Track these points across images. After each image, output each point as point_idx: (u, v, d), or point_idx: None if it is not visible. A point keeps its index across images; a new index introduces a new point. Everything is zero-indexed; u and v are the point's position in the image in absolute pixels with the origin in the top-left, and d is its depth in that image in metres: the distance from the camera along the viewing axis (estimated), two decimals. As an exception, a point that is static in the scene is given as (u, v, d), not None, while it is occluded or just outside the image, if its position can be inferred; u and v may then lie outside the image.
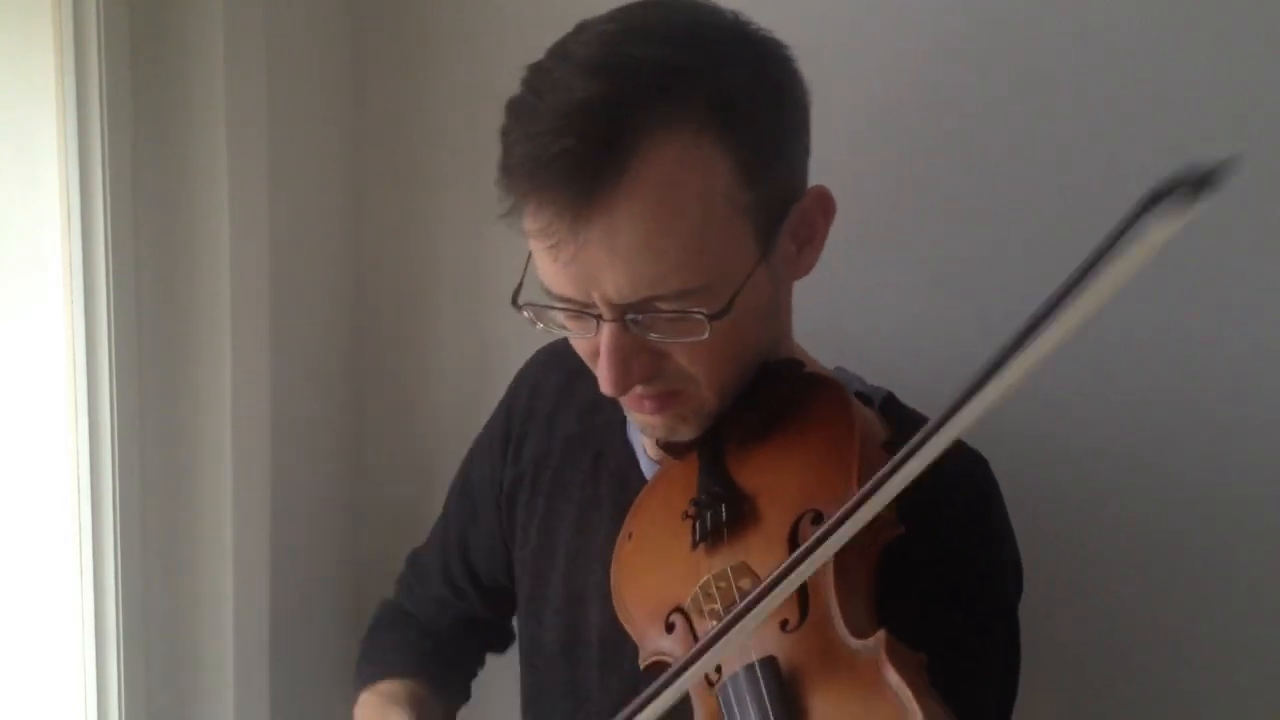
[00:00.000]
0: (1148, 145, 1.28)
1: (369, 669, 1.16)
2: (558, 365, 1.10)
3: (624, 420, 1.05)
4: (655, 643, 0.88)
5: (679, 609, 0.87)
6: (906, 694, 0.72)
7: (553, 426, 1.09)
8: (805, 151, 0.92)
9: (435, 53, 1.37)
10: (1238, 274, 1.27)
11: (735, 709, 0.77)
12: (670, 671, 0.77)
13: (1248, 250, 1.27)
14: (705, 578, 0.84)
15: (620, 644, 0.99)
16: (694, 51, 0.83)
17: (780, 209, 0.89)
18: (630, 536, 0.96)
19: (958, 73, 1.29)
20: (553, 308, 0.87)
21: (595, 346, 0.88)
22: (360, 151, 1.41)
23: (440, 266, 1.43)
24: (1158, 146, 1.27)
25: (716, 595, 0.83)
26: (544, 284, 0.87)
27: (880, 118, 1.26)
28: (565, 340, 1.06)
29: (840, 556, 0.77)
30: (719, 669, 0.80)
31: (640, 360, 0.86)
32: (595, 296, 0.83)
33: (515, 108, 0.86)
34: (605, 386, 0.86)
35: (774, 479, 0.90)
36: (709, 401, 0.91)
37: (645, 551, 0.94)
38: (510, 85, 1.35)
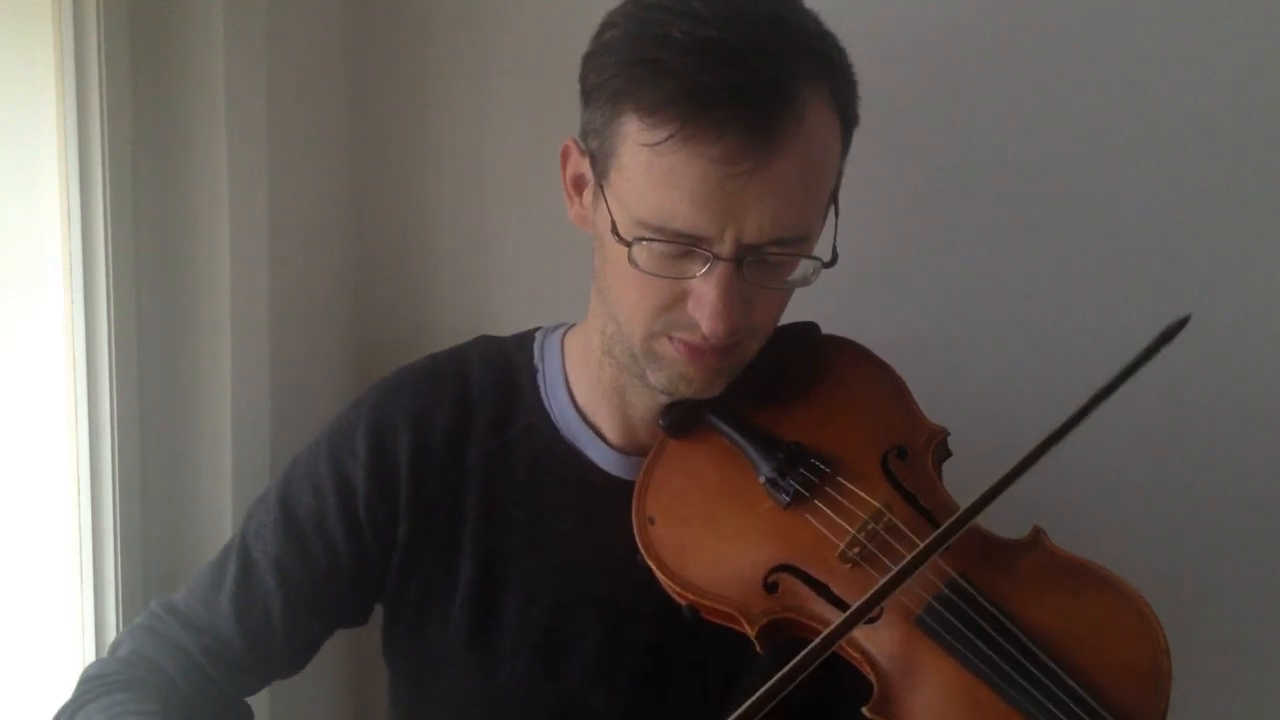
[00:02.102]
0: (1142, 147, 1.28)
1: None
2: (437, 390, 1.04)
3: (551, 425, 1.03)
4: (760, 604, 0.90)
5: (782, 567, 0.91)
6: (1094, 567, 0.85)
7: (458, 451, 1.03)
8: None
9: (435, 52, 1.37)
10: (1237, 272, 1.28)
11: (951, 625, 0.84)
12: (856, 608, 0.83)
13: (1247, 248, 1.28)
14: (854, 527, 0.91)
15: (621, 639, 1.01)
16: (809, 19, 0.90)
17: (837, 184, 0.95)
18: (653, 521, 0.96)
19: (951, 70, 1.30)
20: (659, 239, 0.87)
21: (679, 291, 0.89)
22: (360, 151, 1.41)
23: (440, 265, 1.43)
24: (1155, 146, 1.27)
25: (865, 540, 0.90)
26: (659, 221, 0.86)
27: (881, 117, 1.26)
28: (413, 370, 1.07)
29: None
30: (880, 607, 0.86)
31: (740, 307, 0.89)
32: (727, 234, 0.85)
33: (631, 45, 0.86)
34: (713, 326, 0.88)
35: (835, 429, 0.97)
36: (748, 357, 0.96)
37: (695, 528, 0.96)
38: (510, 84, 1.36)
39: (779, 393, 1.00)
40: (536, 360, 1.06)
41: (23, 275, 1.10)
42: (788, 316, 1.01)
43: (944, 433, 0.97)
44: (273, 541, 1.03)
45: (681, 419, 0.99)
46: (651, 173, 0.85)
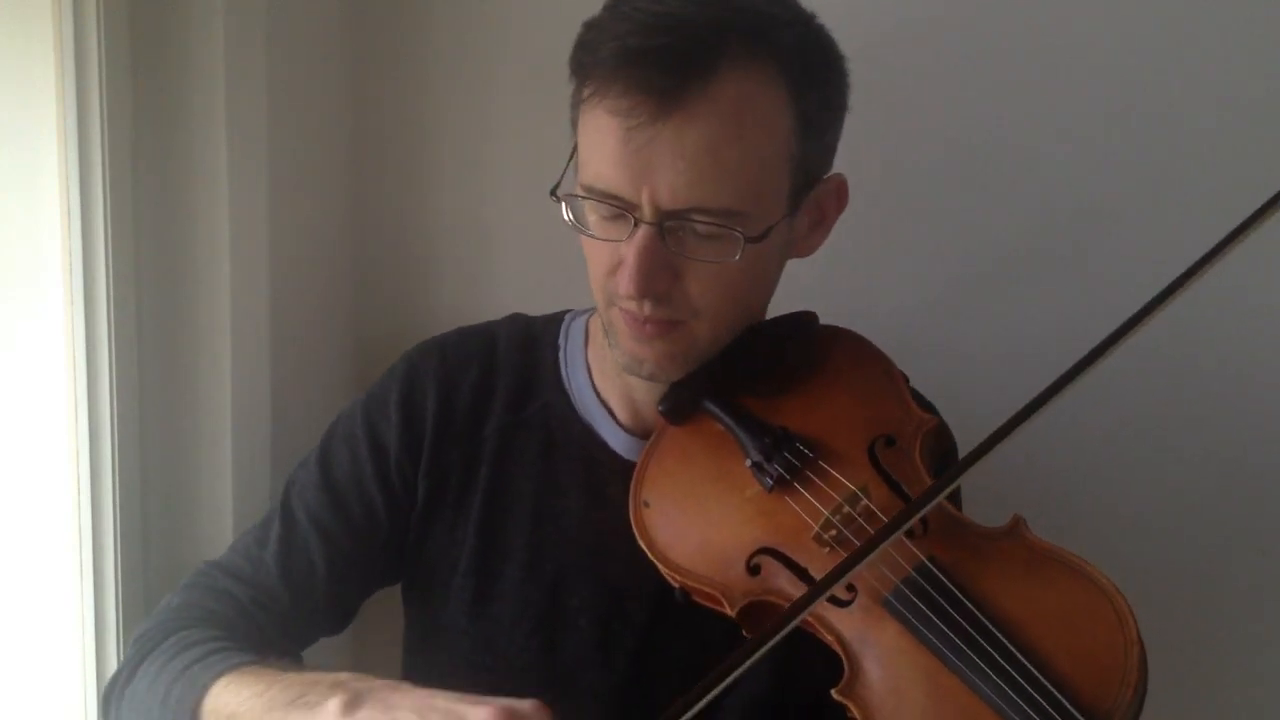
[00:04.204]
0: (1147, 140, 1.28)
1: (203, 664, 0.93)
2: (465, 361, 1.08)
3: (568, 403, 1.06)
4: (742, 586, 0.91)
5: (764, 550, 0.92)
6: (1070, 557, 0.85)
7: (478, 422, 1.07)
8: (837, 140, 0.99)
9: (435, 53, 1.37)
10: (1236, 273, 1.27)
11: (916, 608, 0.84)
12: (820, 583, 0.82)
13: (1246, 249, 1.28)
14: (829, 510, 0.91)
15: (619, 618, 1.02)
16: (784, 8, 0.93)
17: (811, 178, 0.96)
18: (648, 505, 0.98)
19: (958, 65, 1.30)
20: (591, 198, 0.92)
21: (618, 257, 0.93)
22: (360, 151, 1.41)
23: (440, 264, 1.43)
24: (1159, 142, 1.27)
25: (839, 524, 0.90)
26: (589, 182, 0.91)
27: (887, 113, 1.26)
28: (443, 338, 1.11)
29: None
30: (850, 587, 0.87)
31: (661, 274, 0.91)
32: (644, 196, 0.89)
33: (603, 19, 0.92)
34: (628, 287, 0.91)
35: (826, 416, 0.98)
36: (701, 341, 0.97)
37: (687, 511, 0.97)
38: (510, 84, 1.36)
39: (773, 380, 1.01)
40: (560, 339, 1.10)
41: (23, 275, 1.10)
42: (786, 306, 1.02)
43: (933, 422, 0.97)
44: (314, 501, 1.07)
45: (678, 404, 1.00)
46: (585, 132, 0.91)
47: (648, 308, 0.93)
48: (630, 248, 0.90)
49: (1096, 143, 1.28)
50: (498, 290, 1.42)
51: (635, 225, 0.90)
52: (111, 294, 1.10)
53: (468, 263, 1.42)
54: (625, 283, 0.91)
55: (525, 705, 0.78)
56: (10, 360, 1.12)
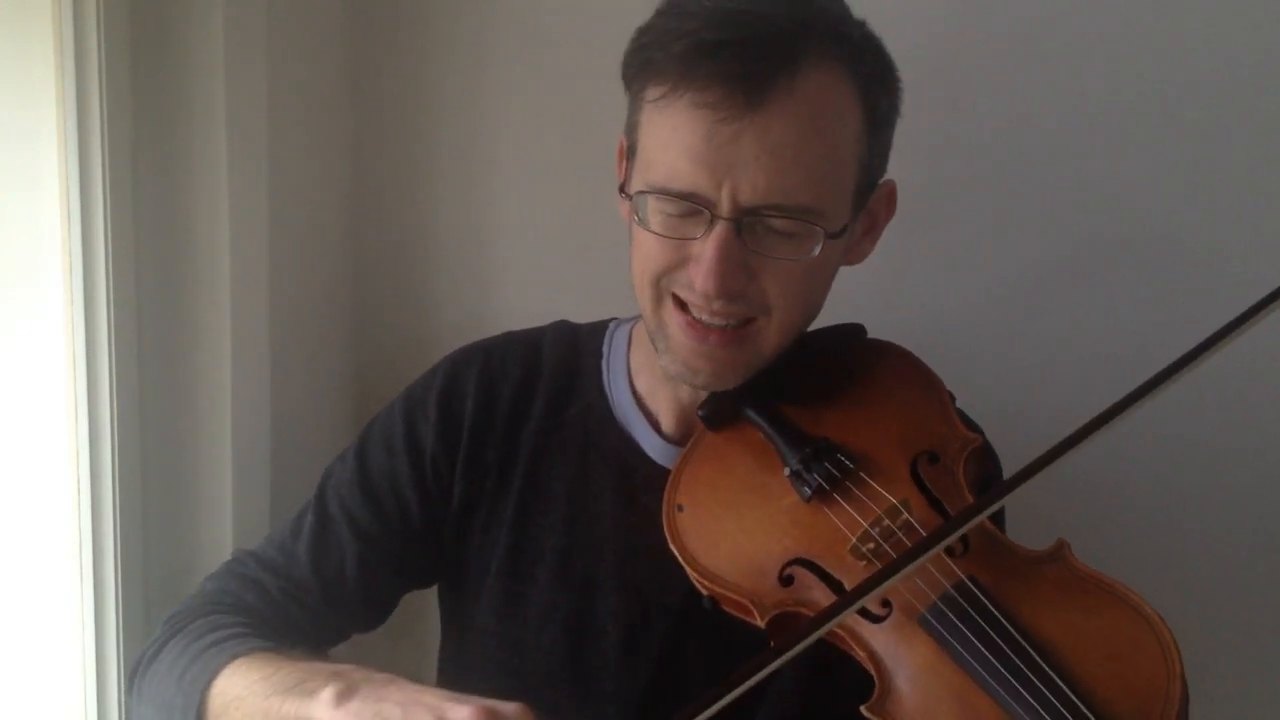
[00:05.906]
0: (1149, 142, 1.28)
1: (215, 651, 0.94)
2: (508, 364, 1.09)
3: (607, 408, 1.06)
4: (773, 596, 0.90)
5: (798, 560, 0.91)
6: (1114, 584, 0.83)
7: (517, 424, 1.07)
8: (890, 145, 0.98)
9: (435, 52, 1.37)
10: (1236, 275, 1.27)
11: (952, 626, 0.82)
12: (839, 603, 0.81)
13: (1247, 251, 1.28)
14: (868, 522, 0.89)
15: (645, 626, 1.01)
16: (845, 9, 0.94)
17: (873, 180, 0.96)
18: (682, 509, 0.97)
19: (962, 67, 1.30)
20: (666, 195, 0.90)
21: (683, 254, 0.92)
22: (360, 151, 1.40)
23: (440, 265, 1.43)
24: (1163, 141, 1.27)
25: (878, 537, 0.88)
26: (663, 182, 0.90)
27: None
28: (487, 343, 1.11)
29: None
30: (885, 603, 0.85)
31: (737, 272, 0.91)
32: (724, 192, 0.88)
33: (663, 20, 0.91)
34: (705, 283, 0.90)
35: (869, 429, 0.97)
36: (767, 346, 0.96)
37: (721, 518, 0.96)
38: (511, 84, 1.36)
39: (817, 390, 1.00)
40: (604, 346, 1.10)
41: (23, 274, 1.10)
42: (826, 314, 1.01)
43: (977, 441, 0.96)
44: (349, 497, 1.07)
45: (718, 410, 1.00)
46: (658, 131, 0.90)
47: (718, 306, 0.92)
48: (709, 245, 0.89)
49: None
50: (498, 290, 1.42)
51: (711, 222, 0.89)
52: (111, 294, 1.10)
53: (468, 262, 1.42)
54: (702, 280, 0.90)
55: (509, 707, 0.78)
56: (10, 360, 1.12)
